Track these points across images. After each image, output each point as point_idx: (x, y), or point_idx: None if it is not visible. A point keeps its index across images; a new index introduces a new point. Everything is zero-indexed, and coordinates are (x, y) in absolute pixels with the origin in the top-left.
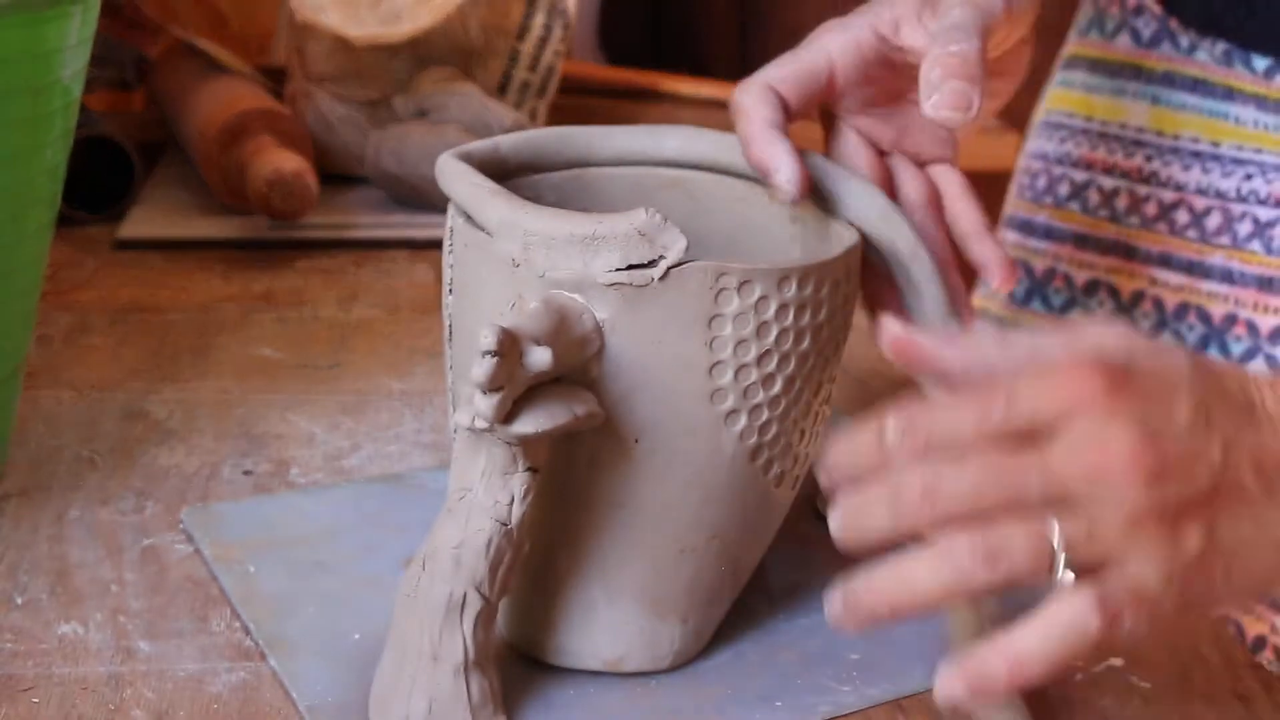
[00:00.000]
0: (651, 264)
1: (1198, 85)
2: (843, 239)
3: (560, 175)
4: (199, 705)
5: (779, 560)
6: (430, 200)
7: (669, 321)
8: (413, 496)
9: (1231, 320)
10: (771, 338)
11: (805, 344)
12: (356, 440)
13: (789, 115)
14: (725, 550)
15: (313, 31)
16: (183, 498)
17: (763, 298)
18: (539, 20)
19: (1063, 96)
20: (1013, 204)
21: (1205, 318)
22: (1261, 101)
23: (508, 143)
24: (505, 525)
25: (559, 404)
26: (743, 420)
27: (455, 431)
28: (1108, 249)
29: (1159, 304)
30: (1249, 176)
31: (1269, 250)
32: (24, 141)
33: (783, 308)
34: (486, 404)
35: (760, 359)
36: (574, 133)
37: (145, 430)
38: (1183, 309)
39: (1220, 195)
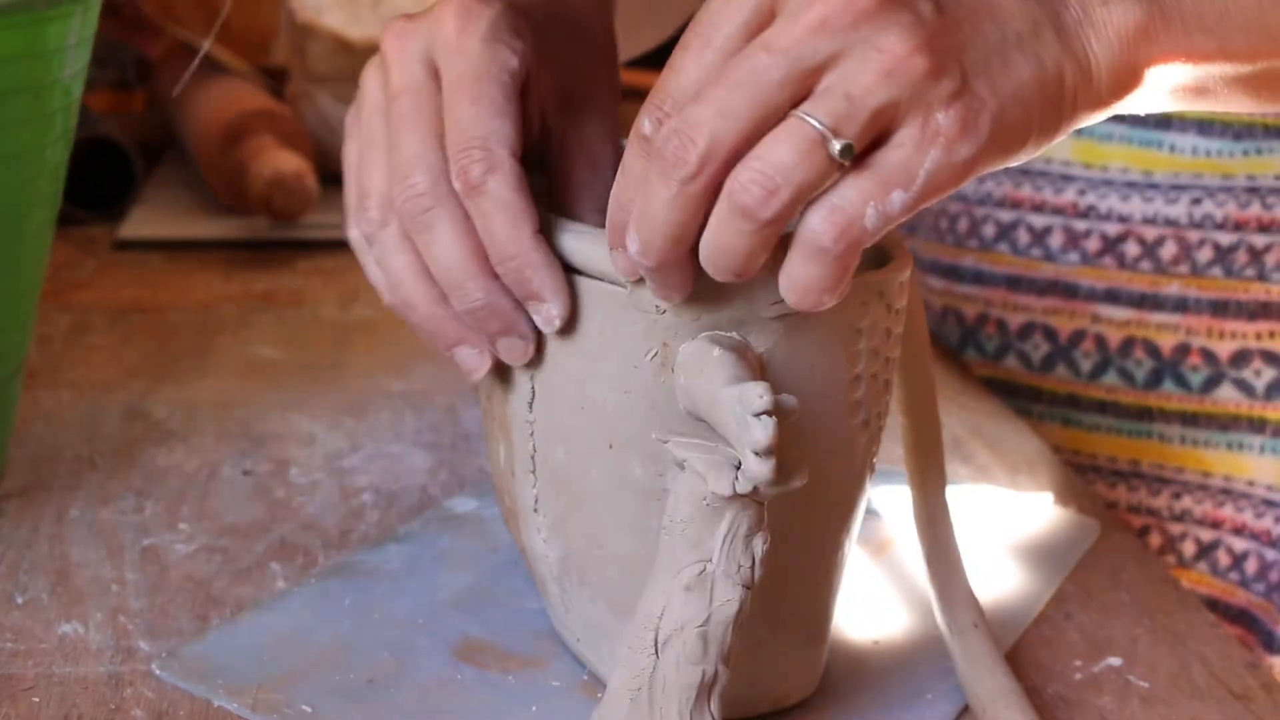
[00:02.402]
0: None
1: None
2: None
3: None
4: (199, 705)
5: None
6: None
7: (821, 343)
8: (371, 585)
9: (1184, 350)
10: (890, 342)
11: (897, 343)
12: (357, 440)
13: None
14: (846, 561)
15: (313, 32)
16: (183, 497)
17: (888, 305)
18: None
19: None
20: (931, 249)
21: (1154, 351)
22: (1205, 126)
23: None
24: (749, 589)
25: (790, 451)
26: (869, 431)
27: (698, 500)
28: (1044, 289)
29: (1101, 341)
30: (1197, 201)
31: (1228, 274)
32: (24, 141)
33: (898, 312)
34: (766, 467)
35: (885, 365)
36: None
37: (145, 430)
38: (1128, 344)
39: (1172, 223)
